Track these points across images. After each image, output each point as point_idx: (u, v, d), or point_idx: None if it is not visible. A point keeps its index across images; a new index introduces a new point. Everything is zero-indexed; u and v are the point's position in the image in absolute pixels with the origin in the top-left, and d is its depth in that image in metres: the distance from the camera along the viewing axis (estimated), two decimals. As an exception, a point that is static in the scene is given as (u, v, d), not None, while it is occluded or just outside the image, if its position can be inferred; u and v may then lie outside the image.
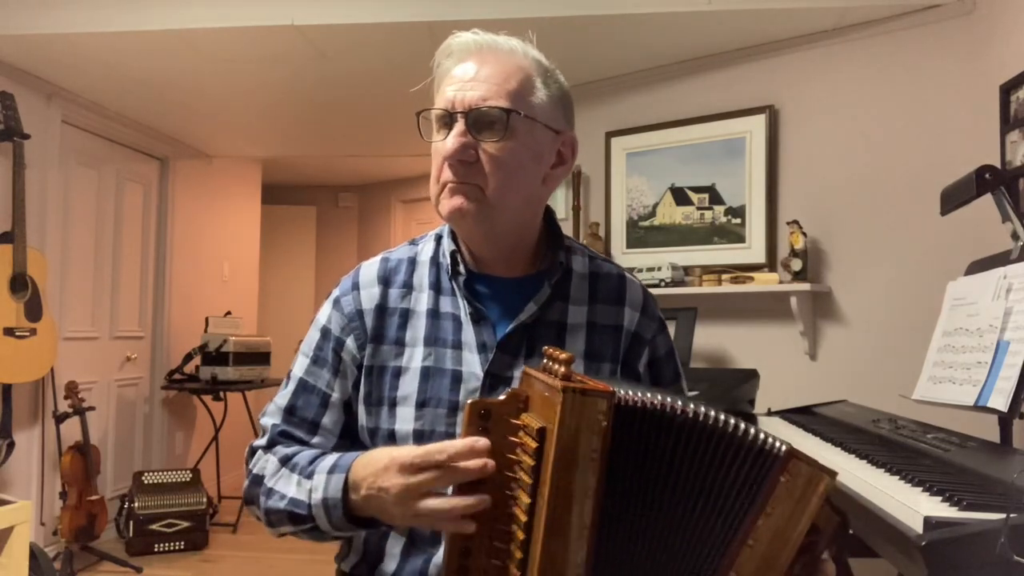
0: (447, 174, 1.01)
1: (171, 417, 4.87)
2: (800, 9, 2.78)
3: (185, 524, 4.07)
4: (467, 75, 1.01)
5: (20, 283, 3.30)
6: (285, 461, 1.05)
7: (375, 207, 6.95)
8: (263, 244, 6.10)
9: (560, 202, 3.71)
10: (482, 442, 0.82)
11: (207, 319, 4.84)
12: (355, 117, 4.35)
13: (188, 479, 4.23)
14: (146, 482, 4.12)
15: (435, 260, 1.11)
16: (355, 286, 1.11)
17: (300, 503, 0.99)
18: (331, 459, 1.00)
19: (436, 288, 1.09)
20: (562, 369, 0.77)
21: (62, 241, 3.88)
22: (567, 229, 3.55)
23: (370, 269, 1.12)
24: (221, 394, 4.72)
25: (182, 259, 4.94)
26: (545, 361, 0.82)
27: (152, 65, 3.44)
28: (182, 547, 4.05)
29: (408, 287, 1.10)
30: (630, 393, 0.79)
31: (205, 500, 4.16)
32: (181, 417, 4.98)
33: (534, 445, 0.76)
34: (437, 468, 0.84)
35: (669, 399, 0.80)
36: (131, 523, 3.96)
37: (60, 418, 3.66)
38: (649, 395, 0.80)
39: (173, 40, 3.12)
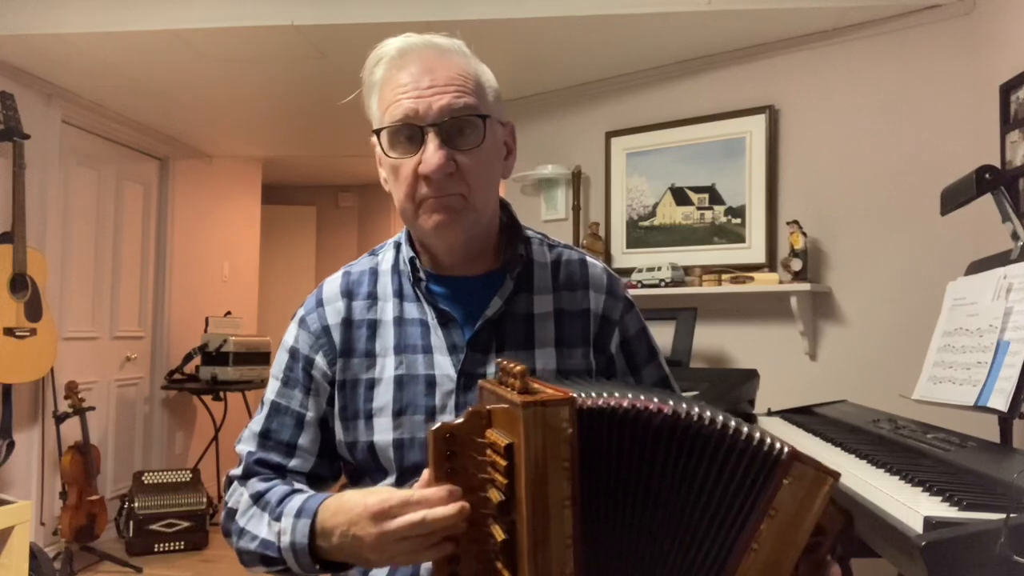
0: (426, 191, 0.98)
1: (171, 417, 4.88)
2: (800, 9, 2.78)
3: (185, 524, 4.07)
4: (421, 82, 0.97)
5: (20, 283, 3.30)
6: (257, 498, 1.03)
7: (375, 207, 6.95)
8: (263, 244, 6.10)
9: (560, 202, 3.71)
10: (457, 490, 0.81)
11: (207, 319, 4.84)
12: (355, 117, 4.32)
13: (188, 479, 4.23)
14: (146, 482, 4.12)
15: (396, 268, 1.10)
16: (319, 303, 1.10)
17: (270, 545, 0.98)
18: (298, 500, 0.98)
19: (400, 296, 1.08)
20: (518, 382, 0.76)
21: (62, 241, 3.88)
22: (567, 228, 3.58)
23: (332, 284, 1.11)
24: (221, 394, 4.72)
25: (182, 259, 4.94)
26: (500, 375, 0.81)
27: (152, 65, 3.44)
28: (182, 547, 4.05)
29: (372, 298, 1.09)
30: (592, 395, 0.78)
31: (205, 500, 4.16)
32: (181, 417, 4.98)
33: (504, 463, 0.75)
34: (412, 512, 0.82)
35: (642, 397, 0.79)
36: (131, 523, 3.96)
37: (60, 418, 3.66)
38: (617, 394, 0.78)
39: (173, 40, 3.12)
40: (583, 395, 0.77)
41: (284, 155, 5.66)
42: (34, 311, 3.35)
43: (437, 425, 0.82)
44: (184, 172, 4.96)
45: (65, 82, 3.73)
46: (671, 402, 0.79)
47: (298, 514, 0.95)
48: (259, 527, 1.00)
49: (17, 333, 3.27)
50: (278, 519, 0.98)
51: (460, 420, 0.83)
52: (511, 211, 1.12)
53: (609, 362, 1.11)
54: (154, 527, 4.00)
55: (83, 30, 3.05)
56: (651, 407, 0.78)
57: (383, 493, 0.86)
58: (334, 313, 1.08)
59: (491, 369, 1.03)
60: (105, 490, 4.02)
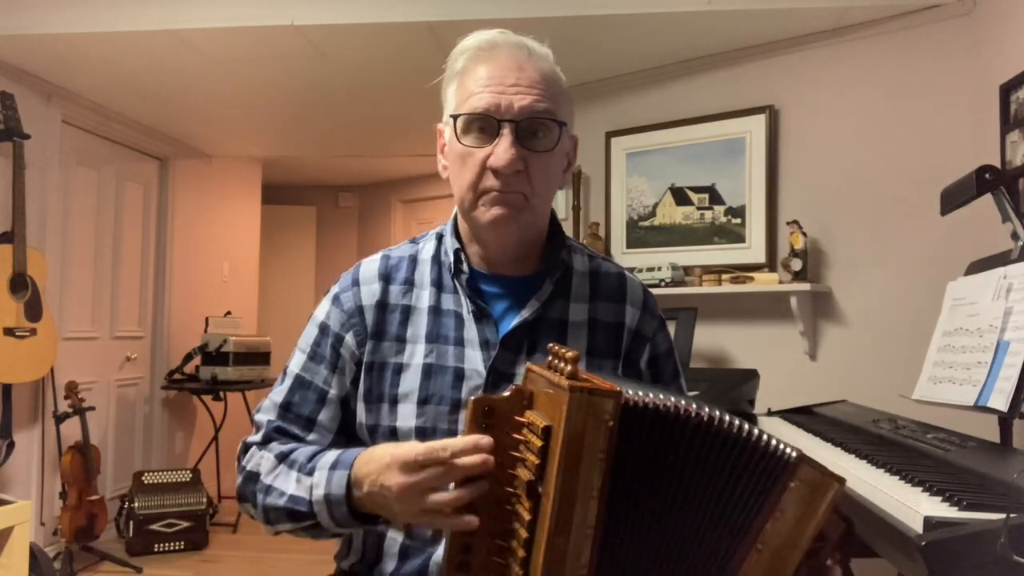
0: (492, 182, 0.99)
1: (171, 417, 4.88)
2: (800, 9, 2.78)
3: (185, 524, 4.07)
4: (507, 78, 0.99)
5: (20, 283, 3.30)
6: (283, 458, 1.03)
7: (375, 207, 6.95)
8: (263, 244, 6.10)
9: (560, 202, 3.71)
10: (485, 440, 0.82)
11: (207, 319, 4.84)
12: (355, 117, 4.35)
13: (188, 479, 4.23)
14: (146, 482, 4.12)
15: (436, 258, 1.11)
16: (355, 282, 1.11)
17: (300, 500, 0.98)
18: (332, 455, 0.99)
19: (438, 285, 1.09)
20: (568, 368, 0.77)
21: (62, 241, 3.88)
22: (567, 229, 3.57)
23: (371, 266, 1.12)
24: (221, 394, 4.72)
25: (182, 259, 4.94)
26: (550, 359, 0.82)
27: (152, 65, 3.44)
28: (182, 547, 4.05)
29: (410, 284, 1.10)
30: (639, 393, 0.78)
31: (205, 500, 4.16)
32: (181, 417, 4.98)
33: (539, 443, 0.76)
34: (440, 465, 0.83)
35: (676, 399, 0.80)
36: (131, 523, 3.96)
37: (60, 418, 3.66)
38: (654, 395, 0.79)
39: (173, 40, 3.12)
40: (631, 392, 0.78)
41: (284, 155, 5.66)
42: (34, 311, 3.35)
43: (479, 395, 0.84)
44: (184, 172, 4.96)
45: (65, 82, 3.72)
46: (705, 408, 0.80)
47: (333, 466, 0.97)
48: (287, 484, 1.01)
49: (17, 333, 3.27)
50: (309, 474, 0.99)
51: (503, 395, 0.84)
52: (556, 218, 1.14)
53: (637, 377, 1.12)
54: (154, 527, 4.00)
55: (83, 30, 3.05)
56: (688, 411, 0.79)
57: (412, 444, 0.88)
58: (369, 294, 1.09)
59: (520, 370, 1.04)
60: (105, 490, 4.02)
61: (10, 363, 3.25)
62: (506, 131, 0.98)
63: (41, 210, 3.65)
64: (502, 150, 0.98)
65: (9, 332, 3.24)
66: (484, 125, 0.99)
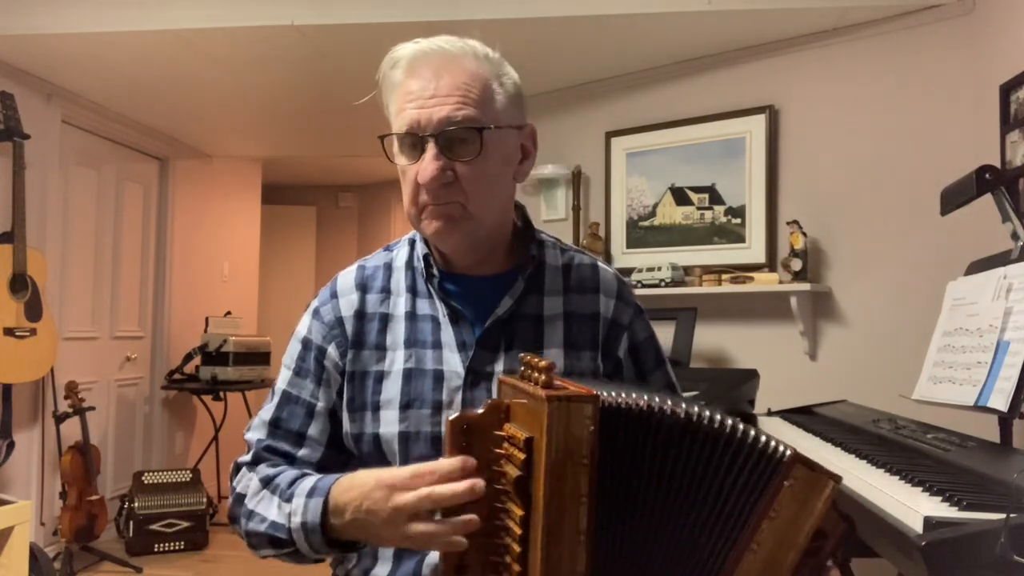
0: (425, 197, 1.00)
1: (171, 417, 4.88)
2: (800, 9, 2.78)
3: (185, 524, 4.07)
4: (426, 91, 0.99)
5: (20, 283, 3.30)
6: (267, 482, 1.04)
7: (375, 207, 6.95)
8: (263, 244, 6.10)
9: (560, 202, 3.71)
10: (472, 461, 0.81)
11: (207, 319, 4.84)
12: (355, 117, 4.34)
13: (188, 479, 4.23)
14: (146, 482, 4.12)
15: (410, 264, 1.12)
16: (333, 294, 1.11)
17: (280, 527, 0.99)
18: (310, 481, 0.99)
19: (413, 291, 1.10)
20: (543, 377, 0.77)
21: (62, 241, 3.88)
22: (567, 229, 3.58)
23: (347, 277, 1.13)
24: (221, 394, 4.72)
25: (182, 259, 4.94)
26: (523, 369, 0.82)
27: (152, 65, 3.44)
28: (182, 547, 4.05)
29: (386, 292, 1.10)
30: (615, 394, 0.78)
31: (205, 500, 4.16)
32: (181, 417, 4.98)
33: (522, 456, 0.76)
34: (427, 488, 0.83)
35: (657, 399, 0.80)
36: (131, 523, 3.96)
37: (60, 418, 3.66)
38: (631, 394, 0.79)
39: (173, 40, 3.13)
40: (606, 394, 0.78)
41: (284, 155, 5.66)
42: (34, 311, 3.35)
43: (455, 415, 0.83)
44: (184, 172, 4.96)
45: (65, 82, 3.72)
46: (684, 405, 0.80)
47: (310, 494, 0.96)
48: (269, 510, 1.01)
49: (17, 333, 3.27)
50: (289, 500, 0.99)
51: (479, 411, 0.83)
52: (525, 213, 1.14)
53: (616, 366, 1.12)
54: (154, 527, 4.00)
55: (83, 30, 3.05)
56: (668, 409, 0.79)
57: (395, 469, 0.88)
58: (348, 305, 1.09)
59: (499, 367, 1.04)
60: (105, 490, 4.02)
61: (10, 363, 3.25)
62: (429, 145, 0.98)
63: (41, 210, 3.64)
64: (425, 165, 0.98)
65: (9, 332, 3.24)
66: (412, 142, 1.00)
